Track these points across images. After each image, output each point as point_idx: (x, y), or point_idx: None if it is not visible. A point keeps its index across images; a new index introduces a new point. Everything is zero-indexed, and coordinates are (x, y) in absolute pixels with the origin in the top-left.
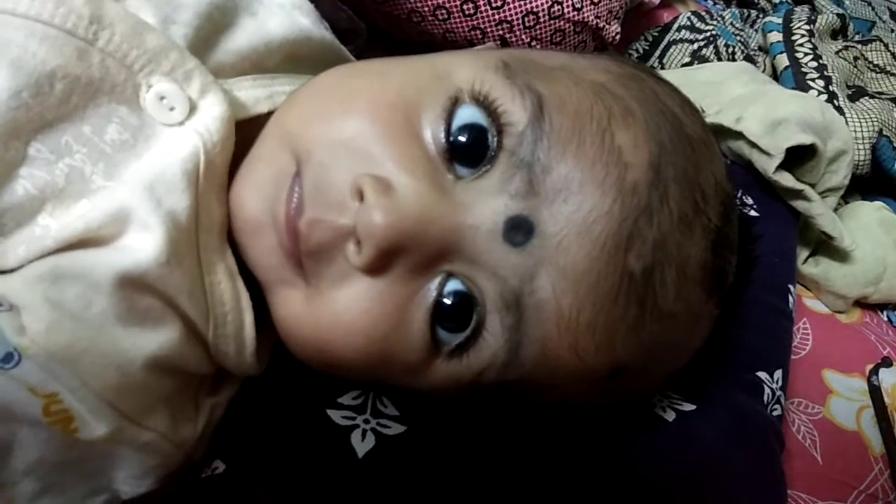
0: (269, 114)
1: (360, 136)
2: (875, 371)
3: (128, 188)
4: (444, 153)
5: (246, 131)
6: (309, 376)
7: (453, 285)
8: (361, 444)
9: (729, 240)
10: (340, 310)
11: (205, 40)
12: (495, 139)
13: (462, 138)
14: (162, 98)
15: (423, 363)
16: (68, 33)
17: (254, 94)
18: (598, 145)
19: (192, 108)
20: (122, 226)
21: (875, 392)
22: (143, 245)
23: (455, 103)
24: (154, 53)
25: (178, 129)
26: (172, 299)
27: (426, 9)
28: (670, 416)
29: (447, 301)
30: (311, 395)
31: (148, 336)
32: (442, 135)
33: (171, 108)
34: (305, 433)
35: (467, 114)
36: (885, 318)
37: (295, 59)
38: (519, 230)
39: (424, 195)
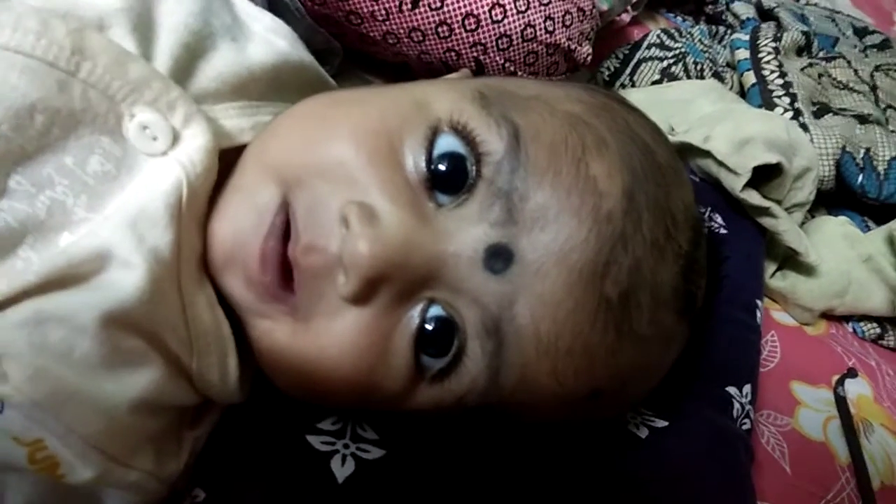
0: None
1: (346, 163)
2: (841, 382)
3: (110, 224)
4: (426, 181)
5: (228, 159)
6: (288, 403)
7: (435, 311)
8: (341, 470)
9: (699, 264)
10: (328, 343)
11: (185, 68)
12: (474, 168)
13: (442, 167)
14: (145, 128)
15: (406, 390)
16: (50, 65)
17: (239, 123)
18: (573, 175)
19: (176, 138)
20: (103, 263)
21: (841, 403)
22: (124, 283)
23: (435, 132)
24: (137, 83)
25: (160, 159)
26: (157, 334)
27: (401, 31)
28: (643, 432)
29: (429, 327)
30: (290, 422)
31: (133, 378)
32: (423, 163)
33: (154, 138)
34: (285, 459)
35: (447, 143)
36: (851, 330)
37: (279, 86)
38: (499, 258)
39: (407, 223)
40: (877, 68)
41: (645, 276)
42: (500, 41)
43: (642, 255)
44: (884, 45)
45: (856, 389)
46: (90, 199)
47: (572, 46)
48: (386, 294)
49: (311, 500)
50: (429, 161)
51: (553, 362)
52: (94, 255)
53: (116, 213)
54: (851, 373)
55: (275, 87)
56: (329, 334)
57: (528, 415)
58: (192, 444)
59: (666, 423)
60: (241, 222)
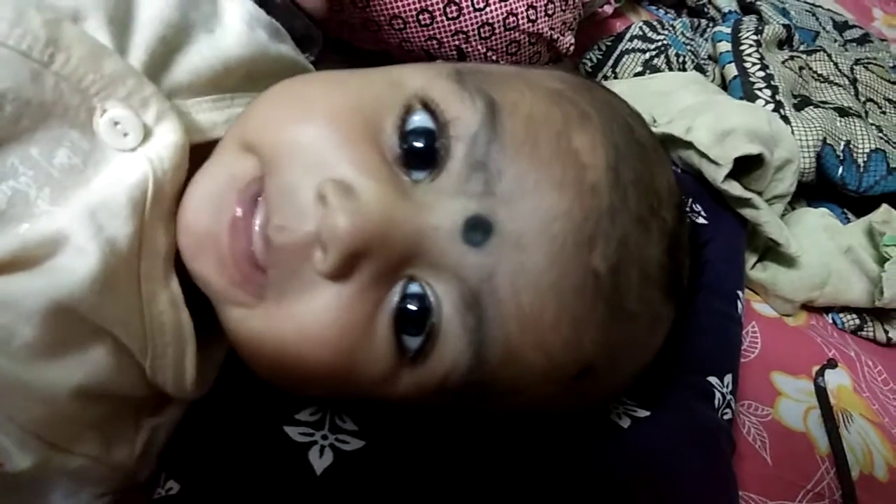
0: None
1: (320, 142)
2: (821, 373)
3: (70, 211)
4: (400, 159)
5: (200, 155)
6: (265, 392)
7: (414, 289)
8: (319, 461)
9: (683, 243)
10: (306, 322)
11: (160, 62)
12: (443, 142)
13: (416, 143)
14: (116, 123)
15: (389, 373)
16: (23, 55)
17: (211, 117)
18: (553, 147)
19: (147, 134)
20: (56, 246)
21: (821, 393)
22: (75, 269)
23: (408, 110)
24: (111, 79)
25: (129, 154)
26: (105, 328)
27: (382, 18)
28: (625, 422)
29: (411, 307)
30: (267, 412)
31: (75, 364)
32: (396, 140)
33: (125, 134)
34: (262, 451)
35: (419, 119)
36: (830, 321)
37: (254, 77)
38: (477, 230)
39: (387, 197)
40: (857, 62)
41: (632, 252)
42: (482, 29)
43: (630, 230)
44: (863, 40)
45: (836, 380)
46: (54, 191)
47: (555, 36)
48: (366, 271)
49: (289, 493)
50: (402, 138)
51: (538, 335)
52: (48, 239)
53: (78, 203)
54: (831, 363)
55: (251, 79)
56: (308, 312)
57: (519, 397)
58: (150, 431)
59: (648, 413)
60: (211, 198)
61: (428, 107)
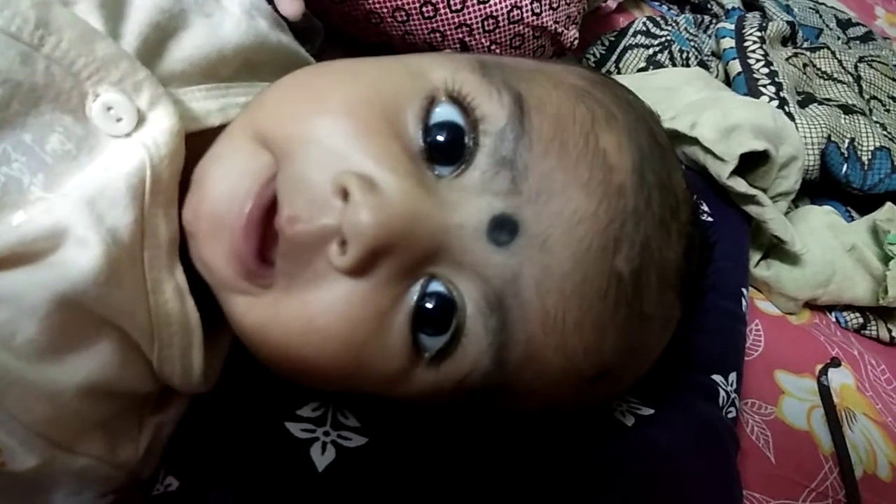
0: (221, 127)
1: (335, 134)
2: (824, 371)
3: (68, 202)
4: (423, 153)
5: (195, 144)
6: (266, 388)
7: (435, 287)
8: (321, 458)
9: (697, 244)
10: (315, 313)
11: (153, 49)
12: (472, 138)
13: (440, 137)
14: (109, 108)
15: (403, 371)
16: (12, 37)
17: (205, 105)
18: (581, 146)
19: (141, 120)
20: (57, 240)
21: (824, 392)
22: (79, 261)
23: (432, 102)
24: (103, 62)
25: (124, 140)
26: (111, 321)
27: (385, 10)
28: (630, 420)
29: (429, 305)
30: (268, 408)
31: (80, 362)
32: (420, 134)
33: (119, 119)
34: (263, 447)
35: (444, 112)
36: (834, 319)
37: (252, 66)
38: (503, 229)
39: (412, 193)
40: (860, 59)
41: (654, 255)
42: (485, 22)
43: (652, 233)
44: (867, 37)
45: (839, 379)
46: (47, 178)
47: (559, 30)
48: (386, 268)
49: (290, 489)
50: (426, 131)
51: (561, 338)
52: (48, 233)
53: (74, 191)
54: (835, 362)
55: (249, 68)
56: (318, 303)
57: (533, 398)
58: (153, 429)
59: (652, 412)
60: (234, 186)
61: (456, 100)
